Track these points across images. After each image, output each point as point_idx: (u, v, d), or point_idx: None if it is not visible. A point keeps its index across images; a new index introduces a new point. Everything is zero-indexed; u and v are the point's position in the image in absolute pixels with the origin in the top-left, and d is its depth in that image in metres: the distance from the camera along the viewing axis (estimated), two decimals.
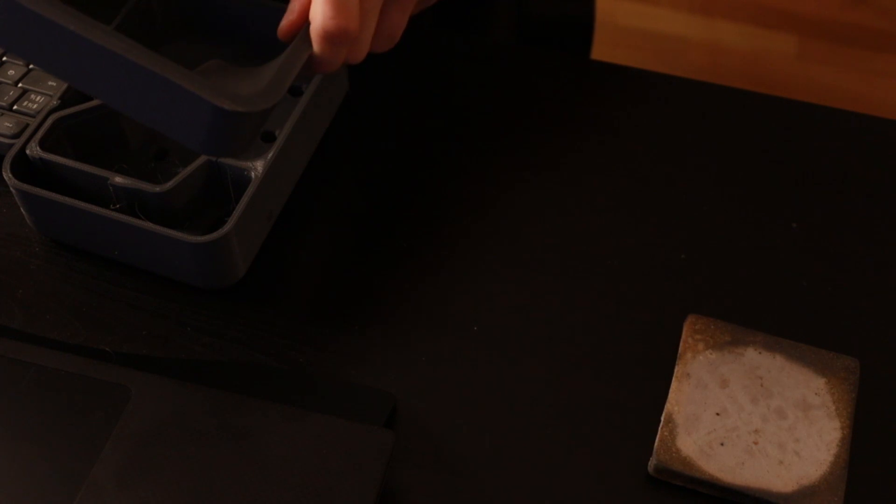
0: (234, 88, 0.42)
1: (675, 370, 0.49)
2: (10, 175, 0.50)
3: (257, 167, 0.51)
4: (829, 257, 0.54)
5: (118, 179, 0.50)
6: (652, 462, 0.46)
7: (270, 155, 0.51)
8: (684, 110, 0.61)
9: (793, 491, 0.45)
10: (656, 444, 0.46)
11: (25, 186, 0.50)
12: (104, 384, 0.45)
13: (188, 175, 0.50)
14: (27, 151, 0.51)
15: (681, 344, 0.49)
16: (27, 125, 0.55)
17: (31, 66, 0.59)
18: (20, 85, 0.57)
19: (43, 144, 0.51)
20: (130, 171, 0.52)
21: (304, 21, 0.46)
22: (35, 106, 0.56)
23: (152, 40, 0.58)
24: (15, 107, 0.56)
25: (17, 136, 0.55)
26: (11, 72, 0.58)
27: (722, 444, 0.46)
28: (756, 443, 0.46)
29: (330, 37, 0.44)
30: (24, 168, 0.51)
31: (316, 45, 0.45)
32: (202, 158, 0.51)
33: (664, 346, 0.50)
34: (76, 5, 0.52)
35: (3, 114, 0.56)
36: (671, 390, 0.48)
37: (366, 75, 0.60)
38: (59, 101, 0.54)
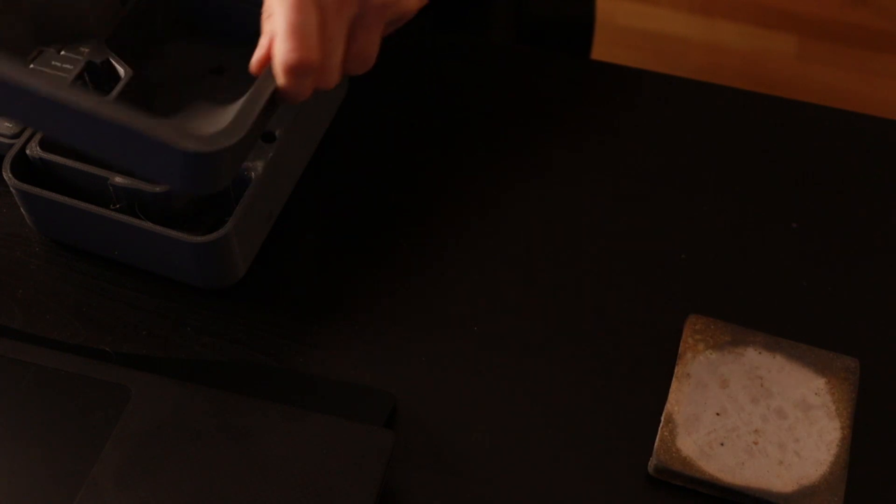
0: (207, 127, 0.43)
1: (675, 370, 0.49)
2: (10, 175, 0.50)
3: (257, 167, 0.51)
4: (829, 257, 0.54)
5: (118, 179, 0.50)
6: (652, 462, 0.46)
7: (270, 155, 0.51)
8: (684, 110, 0.61)
9: (793, 491, 0.45)
10: (656, 444, 0.46)
11: (25, 186, 0.50)
12: (104, 384, 0.45)
13: None
14: (27, 151, 0.51)
15: (681, 344, 0.49)
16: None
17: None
18: None
19: (43, 144, 0.51)
20: None
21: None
22: None
23: (153, 40, 0.58)
24: None
25: (17, 136, 0.55)
26: None
27: (722, 444, 0.46)
28: (756, 443, 0.46)
29: (290, 69, 0.45)
30: (24, 168, 0.51)
31: (279, 79, 0.46)
32: None
33: (664, 346, 0.50)
34: (77, 10, 0.52)
35: None
36: (671, 390, 0.48)
37: (365, 76, 0.60)
38: None
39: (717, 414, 0.47)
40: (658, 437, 0.46)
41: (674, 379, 0.48)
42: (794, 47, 1.62)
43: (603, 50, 0.96)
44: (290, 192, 0.55)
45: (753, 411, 0.47)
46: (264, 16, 0.47)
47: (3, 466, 0.43)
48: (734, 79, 1.55)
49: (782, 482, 0.45)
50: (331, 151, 0.58)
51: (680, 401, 0.47)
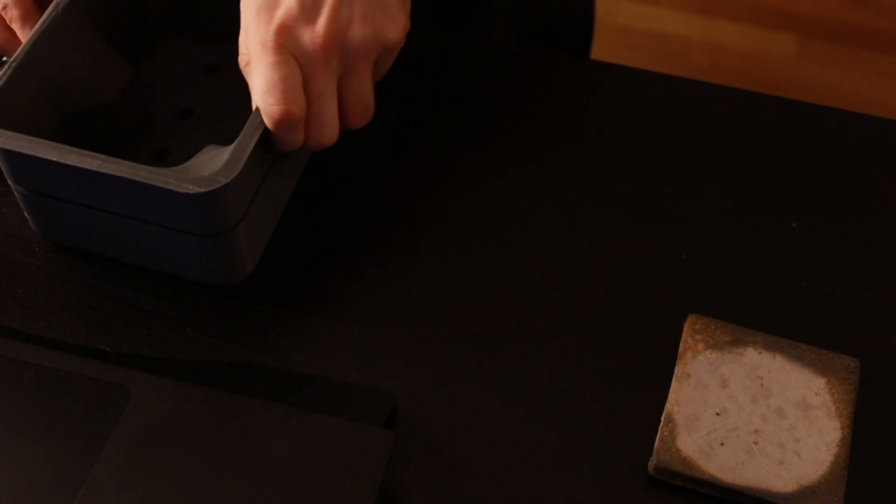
0: (210, 169, 0.47)
1: (675, 370, 0.49)
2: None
3: None
4: (829, 257, 0.54)
5: None
6: (652, 462, 0.46)
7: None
8: (684, 110, 0.61)
9: (793, 491, 0.45)
10: (656, 444, 0.46)
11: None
12: (104, 384, 0.45)
13: None
14: None
15: (681, 344, 0.49)
16: None
17: None
18: None
19: None
20: None
21: None
22: None
23: (148, 40, 0.58)
24: None
25: None
26: None
27: (722, 444, 0.46)
28: (756, 443, 0.46)
29: (275, 123, 0.47)
30: None
31: (270, 127, 0.47)
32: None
33: (664, 346, 0.50)
34: (79, 14, 0.53)
35: None
36: (671, 390, 0.48)
37: None
38: None
39: (717, 414, 0.47)
40: (658, 437, 0.46)
41: (674, 379, 0.48)
42: (794, 47, 1.62)
43: (603, 50, 0.96)
44: (293, 188, 0.55)
45: (753, 411, 0.47)
46: (241, 62, 0.48)
47: (3, 466, 0.43)
48: (734, 79, 1.55)
49: (782, 482, 0.45)
50: (331, 151, 0.58)
51: (680, 401, 0.47)
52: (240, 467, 0.42)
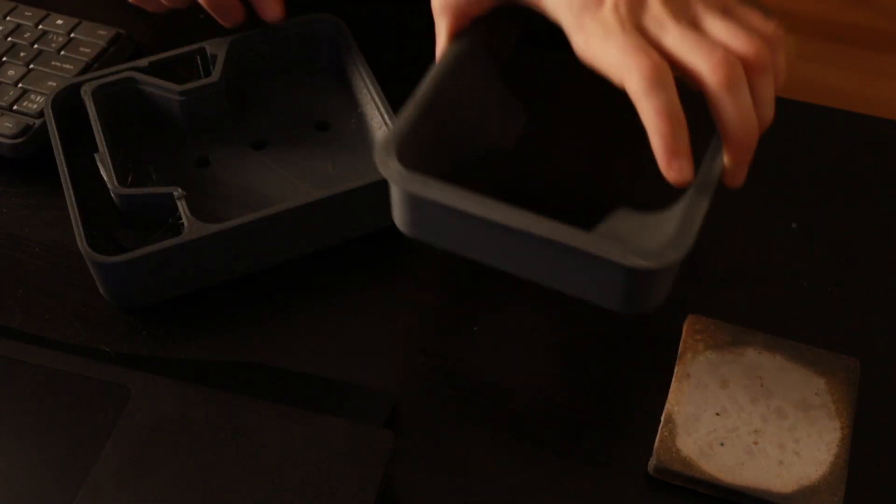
0: (638, 239, 0.42)
1: (675, 370, 0.49)
2: None
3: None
4: (829, 257, 0.54)
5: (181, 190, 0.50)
6: (652, 462, 0.46)
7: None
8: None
9: (793, 491, 0.45)
10: (656, 444, 0.46)
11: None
12: (104, 384, 0.45)
13: None
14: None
15: (681, 344, 0.49)
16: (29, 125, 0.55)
17: (31, 67, 0.58)
18: (20, 85, 0.57)
19: None
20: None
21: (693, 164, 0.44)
22: (35, 106, 0.56)
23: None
24: (15, 107, 0.56)
25: (17, 136, 0.55)
26: (11, 72, 0.58)
27: (722, 445, 0.46)
28: (756, 443, 0.46)
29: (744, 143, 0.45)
30: None
31: (733, 158, 0.45)
32: None
33: (664, 346, 0.50)
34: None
35: (3, 114, 0.56)
36: (671, 390, 0.48)
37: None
38: None
39: (717, 414, 0.47)
40: (658, 437, 0.46)
41: (674, 379, 0.48)
42: (794, 47, 1.62)
43: None
44: None
45: (753, 411, 0.47)
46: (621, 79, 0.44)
47: (3, 466, 0.43)
48: None
49: (782, 482, 0.45)
50: None
51: (680, 401, 0.47)
52: (240, 467, 0.42)
